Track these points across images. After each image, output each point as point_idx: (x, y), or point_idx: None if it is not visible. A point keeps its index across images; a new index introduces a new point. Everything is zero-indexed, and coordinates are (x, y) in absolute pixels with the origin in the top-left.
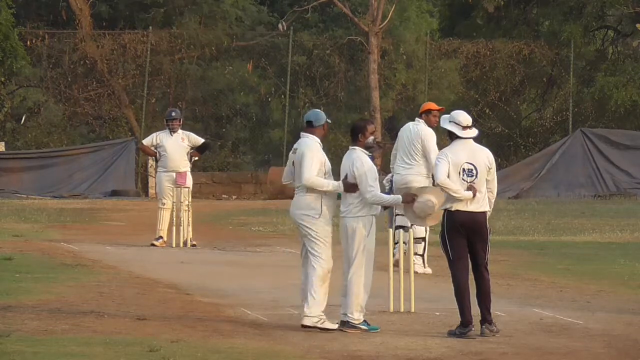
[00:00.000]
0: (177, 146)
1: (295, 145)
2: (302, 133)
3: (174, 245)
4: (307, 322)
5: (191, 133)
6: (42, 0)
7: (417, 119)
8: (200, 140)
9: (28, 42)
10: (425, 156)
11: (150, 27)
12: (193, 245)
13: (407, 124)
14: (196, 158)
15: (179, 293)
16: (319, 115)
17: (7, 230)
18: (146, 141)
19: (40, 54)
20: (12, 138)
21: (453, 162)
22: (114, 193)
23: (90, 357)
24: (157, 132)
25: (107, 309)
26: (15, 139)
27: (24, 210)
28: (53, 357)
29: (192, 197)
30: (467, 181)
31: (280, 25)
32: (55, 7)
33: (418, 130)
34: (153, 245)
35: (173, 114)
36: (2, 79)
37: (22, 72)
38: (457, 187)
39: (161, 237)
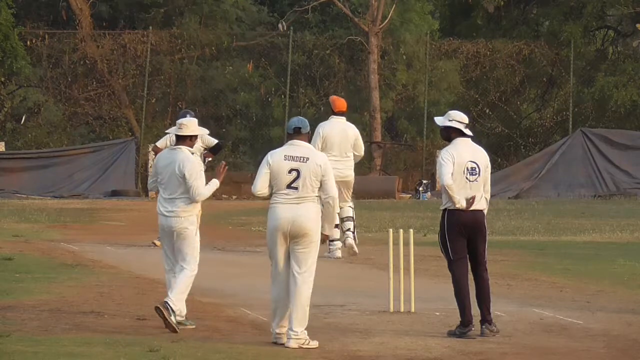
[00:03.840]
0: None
1: (295, 153)
2: (297, 141)
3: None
4: (294, 344)
5: (205, 134)
6: (42, 0)
7: (338, 116)
8: (214, 141)
9: (28, 42)
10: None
11: (150, 27)
12: None
13: (332, 122)
14: (209, 159)
15: None
16: (306, 122)
17: (7, 230)
18: (160, 143)
19: (40, 54)
20: (12, 138)
21: (457, 162)
22: (114, 193)
23: (90, 357)
24: (171, 134)
25: (107, 309)
26: (15, 139)
27: (24, 210)
28: (53, 357)
29: None
30: (470, 180)
31: (280, 25)
32: (55, 7)
33: (352, 129)
34: (154, 244)
35: (188, 115)
36: (2, 79)
37: (22, 72)
38: (459, 195)
39: None
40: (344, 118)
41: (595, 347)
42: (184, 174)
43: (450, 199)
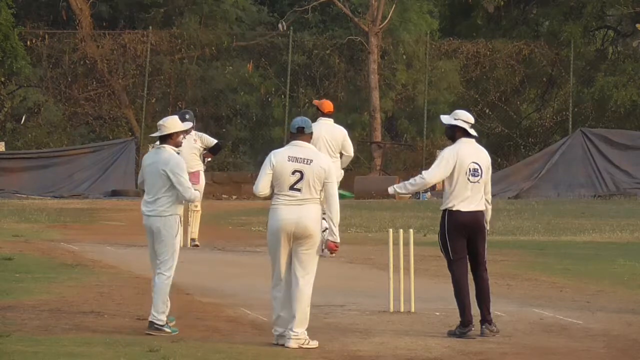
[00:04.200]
0: (189, 147)
1: (299, 154)
2: (300, 142)
3: (198, 245)
4: (294, 344)
5: (204, 134)
6: (42, 0)
7: (326, 118)
8: (213, 142)
9: (28, 42)
10: (342, 152)
11: (150, 27)
12: (195, 246)
13: (320, 123)
14: (209, 159)
15: (179, 293)
16: (309, 122)
17: (7, 230)
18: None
19: (40, 54)
20: (12, 138)
21: (460, 162)
22: (114, 193)
23: (90, 357)
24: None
25: (107, 309)
26: (15, 139)
27: (24, 210)
28: (53, 357)
29: None
30: (471, 181)
31: (280, 25)
32: (55, 7)
33: (339, 129)
34: None
35: (187, 116)
36: (2, 79)
37: (22, 72)
38: (413, 189)
39: None
40: (331, 120)
41: (595, 347)
42: (167, 173)
43: (407, 183)
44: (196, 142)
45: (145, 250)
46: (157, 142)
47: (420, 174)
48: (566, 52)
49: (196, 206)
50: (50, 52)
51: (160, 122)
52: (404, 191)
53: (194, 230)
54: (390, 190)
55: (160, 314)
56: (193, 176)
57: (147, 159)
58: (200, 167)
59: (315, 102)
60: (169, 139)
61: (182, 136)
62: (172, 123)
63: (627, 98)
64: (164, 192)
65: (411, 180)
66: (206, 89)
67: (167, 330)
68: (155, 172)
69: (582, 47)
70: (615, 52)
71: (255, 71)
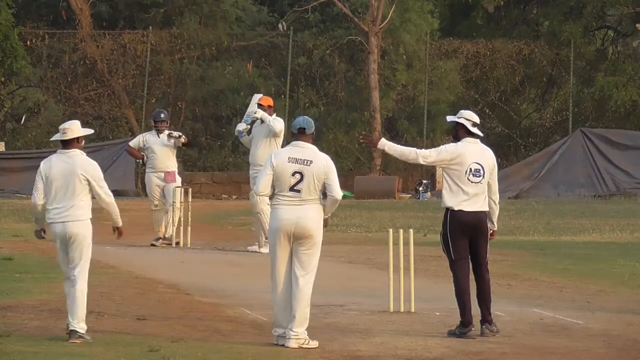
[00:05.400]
0: (164, 146)
1: (299, 155)
2: (301, 142)
3: (173, 245)
4: (294, 344)
5: (175, 132)
6: (42, 0)
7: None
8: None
9: (28, 42)
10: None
11: (150, 27)
12: (168, 243)
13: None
14: (183, 140)
15: (179, 293)
16: (311, 122)
17: (7, 230)
18: (133, 143)
19: (40, 54)
20: (12, 138)
21: (460, 161)
22: (114, 193)
23: (90, 357)
24: (143, 134)
25: (107, 309)
26: (15, 139)
27: (24, 210)
28: (53, 357)
29: (192, 197)
30: (473, 181)
31: (280, 25)
32: (55, 7)
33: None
34: (153, 245)
35: (162, 115)
36: (2, 79)
37: (22, 72)
38: (399, 156)
39: (160, 238)
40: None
41: (595, 347)
42: (88, 178)
43: (400, 147)
44: (170, 140)
45: (144, 250)
46: (130, 143)
47: (417, 150)
48: (566, 52)
49: (176, 206)
50: (50, 52)
51: (66, 125)
52: (389, 150)
53: (174, 226)
54: (380, 145)
55: (81, 321)
56: (169, 175)
57: (55, 164)
58: (174, 167)
59: (270, 100)
60: (75, 142)
61: (83, 141)
62: (77, 127)
63: (627, 98)
64: (82, 197)
65: (406, 149)
66: (206, 89)
67: (87, 337)
68: (72, 177)
69: (582, 47)
70: (615, 52)
71: (256, 71)
